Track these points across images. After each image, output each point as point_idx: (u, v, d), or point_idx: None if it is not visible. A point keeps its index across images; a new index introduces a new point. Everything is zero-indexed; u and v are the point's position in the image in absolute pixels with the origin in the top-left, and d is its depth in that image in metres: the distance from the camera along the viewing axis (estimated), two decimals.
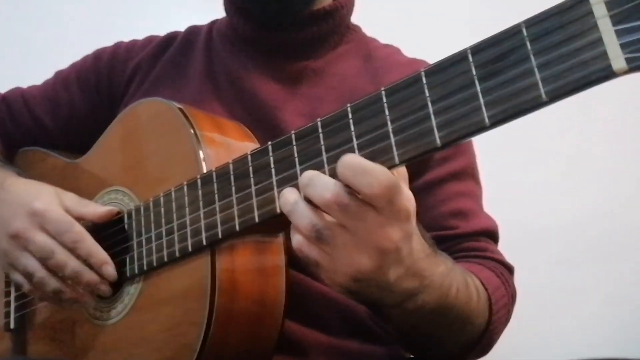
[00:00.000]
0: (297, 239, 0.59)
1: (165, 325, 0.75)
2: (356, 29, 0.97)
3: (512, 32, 0.50)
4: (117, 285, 0.81)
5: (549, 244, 1.39)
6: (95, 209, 0.82)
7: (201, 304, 0.70)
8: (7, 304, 0.95)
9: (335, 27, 0.92)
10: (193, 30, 1.02)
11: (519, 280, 0.87)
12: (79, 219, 0.81)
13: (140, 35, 1.06)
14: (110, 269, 0.79)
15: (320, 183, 0.56)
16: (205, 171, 0.73)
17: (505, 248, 0.90)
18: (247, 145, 0.82)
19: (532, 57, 0.49)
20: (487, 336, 0.77)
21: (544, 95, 0.48)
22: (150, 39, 1.03)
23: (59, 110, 1.03)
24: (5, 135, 1.05)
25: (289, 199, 0.58)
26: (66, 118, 1.03)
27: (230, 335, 0.72)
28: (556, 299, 1.36)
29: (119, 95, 0.99)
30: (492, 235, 0.88)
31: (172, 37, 1.02)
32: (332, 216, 0.56)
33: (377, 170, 0.54)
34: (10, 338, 0.94)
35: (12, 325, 0.93)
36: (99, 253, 0.78)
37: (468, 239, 0.85)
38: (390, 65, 0.92)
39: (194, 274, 0.72)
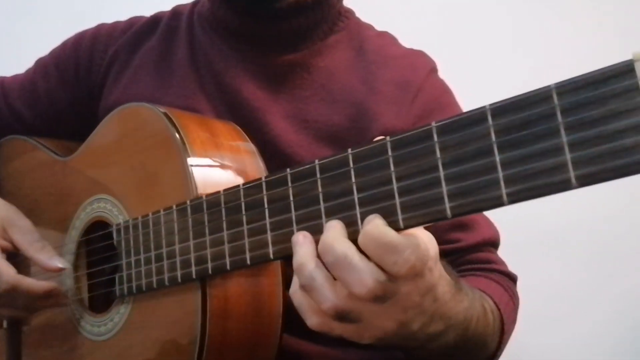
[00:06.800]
0: (316, 321, 0.53)
1: (153, 351, 0.71)
2: (348, 15, 0.87)
3: (540, 97, 0.43)
4: (108, 300, 0.77)
5: (554, 246, 1.33)
6: (48, 261, 0.76)
7: (192, 335, 0.67)
8: None
9: (325, 14, 0.83)
10: (177, 12, 0.92)
11: (524, 283, 0.85)
12: (29, 258, 0.77)
13: (128, 12, 0.95)
14: (58, 292, 0.77)
15: (355, 271, 0.49)
16: (195, 183, 0.69)
17: (509, 251, 0.86)
18: (240, 147, 0.77)
19: (562, 131, 0.41)
20: (498, 354, 0.76)
21: (574, 181, 0.41)
22: (132, 22, 0.93)
23: (37, 102, 0.96)
24: None
25: (304, 269, 0.52)
26: (45, 110, 0.96)
27: None
28: (562, 302, 1.32)
29: (98, 85, 0.91)
30: (494, 244, 0.84)
31: (155, 20, 0.92)
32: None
33: (405, 247, 0.49)
34: (4, 336, 0.92)
35: (4, 325, 0.91)
36: (41, 290, 0.74)
37: (471, 251, 0.81)
38: (384, 59, 0.83)
39: (185, 305, 0.68)
